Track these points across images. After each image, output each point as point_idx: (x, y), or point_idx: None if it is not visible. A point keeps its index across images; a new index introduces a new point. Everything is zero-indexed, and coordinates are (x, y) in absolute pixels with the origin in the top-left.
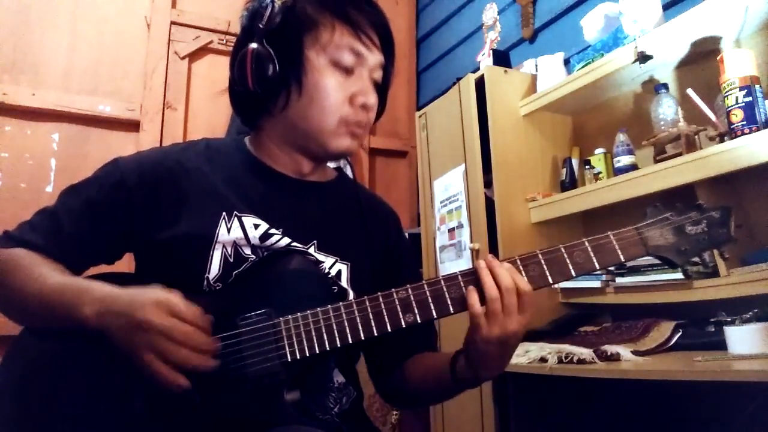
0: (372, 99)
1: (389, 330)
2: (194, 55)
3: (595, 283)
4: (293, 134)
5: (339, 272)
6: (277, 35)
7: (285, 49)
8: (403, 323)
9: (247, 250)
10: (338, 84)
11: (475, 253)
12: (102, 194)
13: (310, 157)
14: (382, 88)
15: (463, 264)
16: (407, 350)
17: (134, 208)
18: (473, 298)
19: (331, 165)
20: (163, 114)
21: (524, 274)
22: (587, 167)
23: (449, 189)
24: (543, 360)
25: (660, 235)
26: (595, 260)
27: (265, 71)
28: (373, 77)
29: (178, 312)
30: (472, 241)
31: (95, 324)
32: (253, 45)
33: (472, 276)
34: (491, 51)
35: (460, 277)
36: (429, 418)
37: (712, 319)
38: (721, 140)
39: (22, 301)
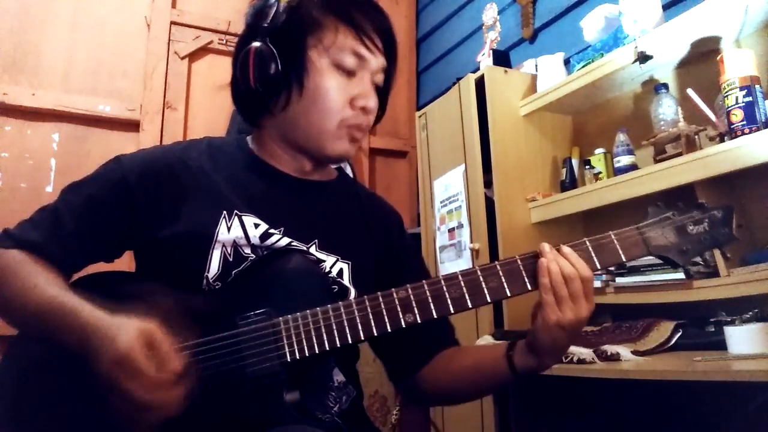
0: (372, 102)
1: (389, 330)
2: (194, 55)
3: (595, 283)
4: (293, 134)
5: (341, 271)
6: (280, 35)
7: (287, 49)
8: (403, 323)
9: (247, 250)
10: (339, 86)
11: (475, 253)
12: (104, 191)
13: (309, 158)
14: (382, 92)
15: (463, 264)
16: (430, 349)
17: (136, 206)
18: (545, 283)
19: (332, 165)
20: (163, 114)
21: (525, 274)
22: (587, 167)
23: (449, 189)
24: None
25: (661, 235)
26: (596, 260)
27: (267, 70)
28: (374, 80)
29: (134, 371)
30: (472, 241)
31: (79, 352)
32: (256, 44)
33: (472, 275)
34: (491, 51)
35: (460, 276)
36: (429, 418)
37: (712, 319)
38: (721, 140)
39: (15, 312)
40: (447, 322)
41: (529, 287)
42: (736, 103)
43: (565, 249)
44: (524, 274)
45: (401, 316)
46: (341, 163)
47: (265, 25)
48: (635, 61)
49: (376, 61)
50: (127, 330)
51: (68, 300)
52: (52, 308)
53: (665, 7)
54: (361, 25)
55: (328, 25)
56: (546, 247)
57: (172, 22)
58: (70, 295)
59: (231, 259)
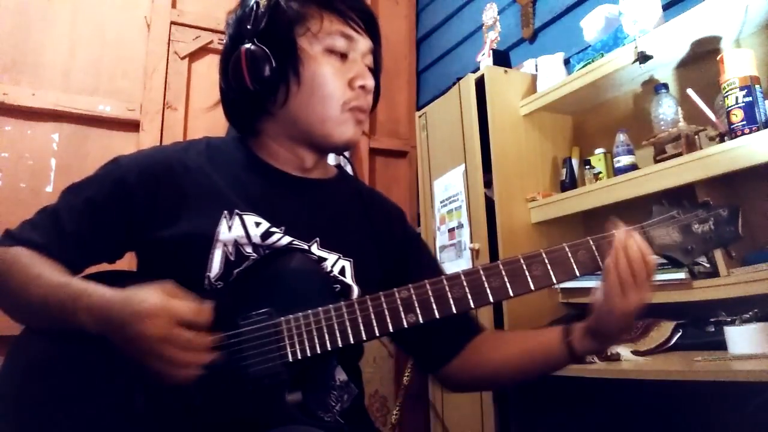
0: (370, 81)
1: (391, 330)
2: (194, 55)
3: (595, 283)
4: (296, 129)
5: (343, 269)
6: (267, 33)
7: (278, 43)
8: (405, 323)
9: (249, 249)
10: (335, 70)
11: (475, 253)
12: (103, 192)
13: (315, 150)
14: (374, 75)
15: (463, 264)
16: (462, 338)
17: (135, 206)
18: (611, 270)
19: (332, 162)
20: (163, 114)
21: (528, 274)
22: (587, 167)
23: (449, 189)
24: None
25: (666, 234)
26: (599, 259)
27: (262, 68)
28: (364, 62)
29: (176, 316)
30: (472, 241)
31: (95, 332)
32: (246, 46)
33: (475, 275)
34: (491, 51)
35: (462, 276)
36: (429, 418)
37: (712, 319)
38: (721, 140)
39: (22, 302)
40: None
41: (532, 287)
42: (736, 103)
43: (634, 234)
44: (527, 274)
45: (403, 316)
46: (349, 149)
47: (249, 27)
48: (635, 61)
49: (364, 42)
50: (147, 290)
51: (76, 283)
52: (59, 294)
53: (665, 7)
54: (342, 9)
55: (311, 14)
56: (619, 234)
57: (172, 22)
58: (77, 280)
59: (233, 259)
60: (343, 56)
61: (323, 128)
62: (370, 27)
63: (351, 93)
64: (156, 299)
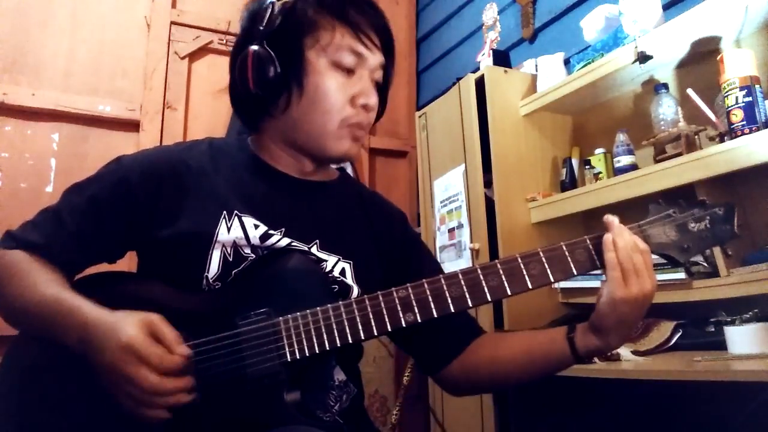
0: (373, 100)
1: (389, 329)
2: (194, 55)
3: (595, 283)
4: (294, 136)
5: (343, 270)
6: (277, 37)
7: (285, 50)
8: (403, 322)
9: (247, 250)
10: (339, 85)
11: (475, 253)
12: (105, 192)
13: (311, 159)
14: (382, 89)
15: (463, 264)
16: (462, 339)
17: (136, 206)
18: (612, 258)
19: (333, 165)
20: (163, 114)
21: (526, 272)
22: (587, 167)
23: (449, 189)
24: None
25: (662, 233)
26: (596, 258)
27: (266, 73)
28: (373, 78)
29: (145, 359)
30: (472, 241)
31: (78, 351)
32: (254, 47)
33: (472, 274)
34: (491, 51)
35: (460, 275)
36: (429, 418)
37: (712, 319)
38: (721, 140)
39: (16, 310)
40: (468, 314)
41: (530, 286)
42: (736, 103)
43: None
44: (525, 273)
45: (401, 315)
46: (344, 162)
47: (261, 28)
48: (635, 61)
49: (375, 58)
50: (129, 321)
51: (68, 298)
52: (51, 307)
53: (665, 7)
54: (357, 23)
55: (324, 24)
56: (615, 220)
57: (172, 22)
58: (71, 294)
59: (231, 259)
60: (350, 71)
61: (319, 141)
62: (384, 41)
63: (352, 110)
64: (131, 335)
